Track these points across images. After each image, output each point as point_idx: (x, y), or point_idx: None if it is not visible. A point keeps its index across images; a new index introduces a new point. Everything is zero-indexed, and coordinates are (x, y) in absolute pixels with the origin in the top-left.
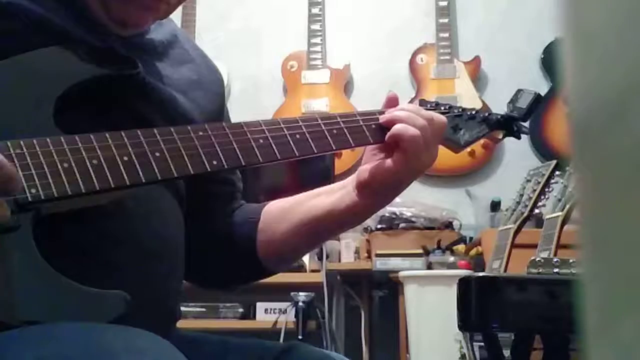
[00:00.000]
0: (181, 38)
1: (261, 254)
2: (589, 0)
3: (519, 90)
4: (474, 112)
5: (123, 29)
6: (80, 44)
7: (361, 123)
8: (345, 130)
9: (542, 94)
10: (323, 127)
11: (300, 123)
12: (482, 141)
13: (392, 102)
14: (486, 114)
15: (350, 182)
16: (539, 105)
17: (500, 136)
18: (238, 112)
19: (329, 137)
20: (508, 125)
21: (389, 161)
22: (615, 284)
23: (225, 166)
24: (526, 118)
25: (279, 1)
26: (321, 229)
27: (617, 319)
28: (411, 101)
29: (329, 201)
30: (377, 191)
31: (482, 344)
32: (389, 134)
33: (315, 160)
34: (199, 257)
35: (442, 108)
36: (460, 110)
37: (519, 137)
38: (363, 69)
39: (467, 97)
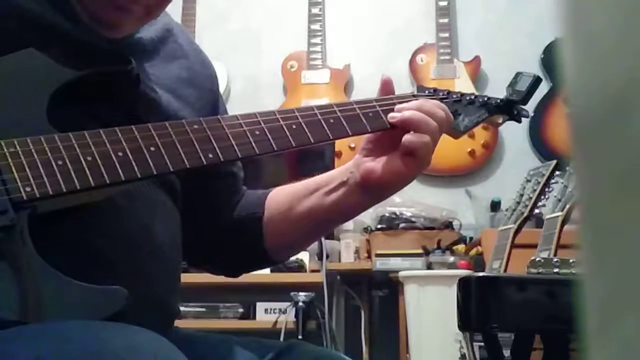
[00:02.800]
0: (176, 32)
1: (268, 247)
2: (589, 1)
3: (518, 74)
4: (473, 97)
5: (107, 30)
6: (72, 41)
7: (358, 111)
8: (342, 119)
9: (542, 94)
10: (319, 117)
11: (296, 113)
12: (482, 141)
13: (387, 86)
14: (485, 98)
15: (348, 175)
16: (538, 87)
17: (500, 120)
18: (238, 112)
19: (325, 127)
20: (508, 108)
21: (400, 166)
22: (615, 284)
23: (222, 159)
24: (526, 101)
25: (279, 1)
26: (326, 225)
27: (617, 319)
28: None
29: (332, 200)
30: (382, 190)
31: (482, 344)
32: (402, 146)
33: (315, 159)
34: (205, 249)
35: (441, 94)
36: (459, 95)
37: (519, 121)
38: (363, 69)
39: None
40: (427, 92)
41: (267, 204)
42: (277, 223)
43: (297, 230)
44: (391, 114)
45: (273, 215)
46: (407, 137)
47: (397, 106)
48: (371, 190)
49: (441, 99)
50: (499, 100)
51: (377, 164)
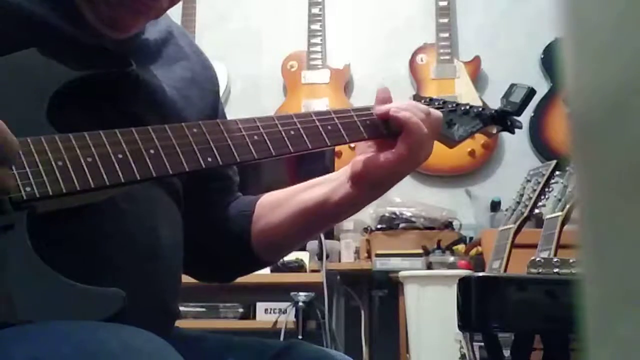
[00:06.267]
0: (176, 34)
1: (255, 246)
2: (588, 0)
3: (512, 85)
4: (467, 107)
5: (114, 32)
6: (73, 42)
7: (355, 119)
8: (340, 126)
9: (542, 93)
10: (317, 123)
11: (295, 119)
12: (482, 141)
13: (384, 96)
14: (480, 109)
15: (343, 173)
16: (532, 99)
17: (495, 131)
18: (238, 112)
19: (323, 133)
20: (502, 119)
21: (387, 154)
22: (614, 284)
23: (220, 163)
24: (519, 112)
25: (279, 1)
26: (313, 221)
27: (617, 319)
28: None
29: (321, 192)
30: (371, 183)
31: (482, 344)
32: (393, 117)
33: (315, 159)
34: (195, 250)
35: (437, 103)
36: (454, 105)
37: (512, 132)
38: (363, 69)
39: (467, 97)
40: (423, 101)
41: (259, 203)
42: (267, 220)
43: (287, 226)
44: (379, 107)
45: (264, 212)
46: (402, 113)
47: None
48: (361, 182)
49: (437, 108)
50: (493, 111)
51: (367, 156)
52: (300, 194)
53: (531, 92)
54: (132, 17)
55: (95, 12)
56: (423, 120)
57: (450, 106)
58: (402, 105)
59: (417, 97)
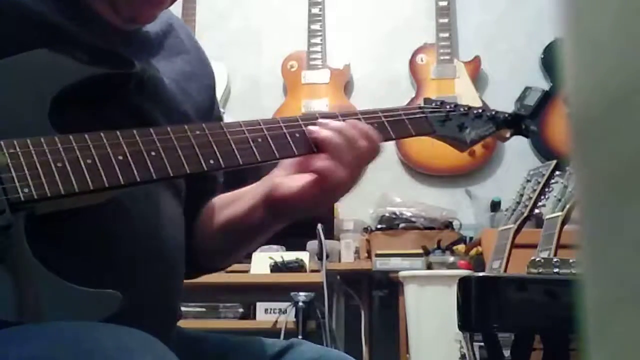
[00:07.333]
0: (176, 26)
1: (194, 251)
2: (588, 1)
3: (526, 88)
4: (480, 111)
5: (133, 25)
6: (75, 42)
7: (383, 120)
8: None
9: None
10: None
11: (300, 122)
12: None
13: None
14: (493, 113)
15: (260, 192)
16: (547, 102)
17: (508, 135)
18: (238, 112)
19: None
20: (516, 123)
21: (307, 185)
22: (614, 284)
23: (222, 165)
24: (534, 116)
25: (279, 1)
26: (237, 237)
27: (616, 319)
28: (412, 101)
29: (242, 213)
30: (286, 209)
31: (482, 344)
32: (313, 168)
33: None
34: None
35: (448, 107)
36: (466, 108)
37: (527, 136)
38: (363, 69)
39: (467, 97)
40: (434, 104)
41: (205, 208)
42: (203, 228)
43: (216, 236)
44: (310, 128)
45: (203, 220)
46: (320, 162)
47: (320, 120)
48: (274, 207)
49: (447, 112)
50: (506, 115)
51: (284, 180)
52: (229, 207)
53: (546, 95)
54: (151, 9)
55: (114, 9)
56: (350, 163)
57: (462, 109)
58: (336, 141)
59: (427, 101)
